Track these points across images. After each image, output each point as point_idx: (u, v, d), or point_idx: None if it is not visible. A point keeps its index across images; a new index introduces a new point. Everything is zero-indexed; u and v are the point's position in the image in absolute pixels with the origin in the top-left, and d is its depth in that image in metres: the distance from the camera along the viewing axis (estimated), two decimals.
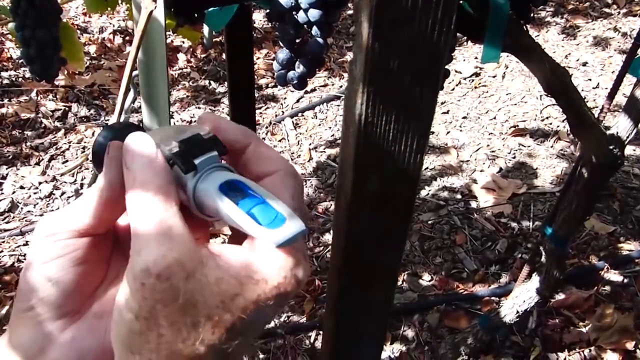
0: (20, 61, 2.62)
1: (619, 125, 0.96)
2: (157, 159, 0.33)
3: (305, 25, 0.66)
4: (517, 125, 2.41)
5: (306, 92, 2.65)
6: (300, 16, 0.65)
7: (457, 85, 2.70)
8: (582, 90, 2.59)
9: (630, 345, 1.54)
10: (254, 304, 0.31)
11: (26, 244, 1.87)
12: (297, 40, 0.69)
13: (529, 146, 2.30)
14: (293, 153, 2.29)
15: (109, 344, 0.34)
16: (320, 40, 0.67)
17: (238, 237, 0.35)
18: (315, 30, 0.66)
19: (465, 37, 0.80)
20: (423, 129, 0.39)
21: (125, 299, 0.30)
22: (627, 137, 0.96)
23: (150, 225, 0.31)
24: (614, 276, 1.75)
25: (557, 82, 0.81)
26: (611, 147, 0.95)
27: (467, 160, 2.24)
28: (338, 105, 2.57)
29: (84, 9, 3.00)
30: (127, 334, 0.30)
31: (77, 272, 0.35)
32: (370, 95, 0.37)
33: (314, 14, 0.63)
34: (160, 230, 0.30)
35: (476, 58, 2.82)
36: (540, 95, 2.56)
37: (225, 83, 2.58)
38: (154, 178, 0.32)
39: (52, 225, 0.35)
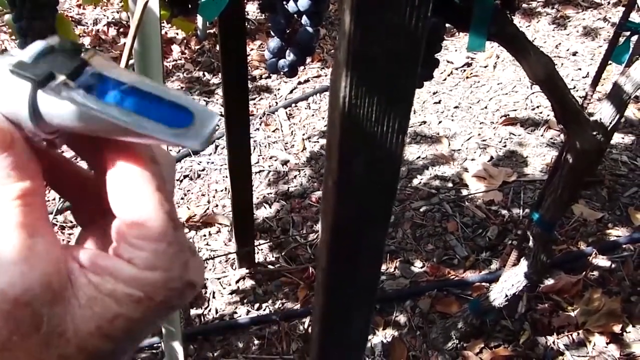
0: None
1: (602, 111, 0.99)
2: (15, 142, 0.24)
3: (295, 15, 0.69)
4: (508, 115, 2.44)
5: (300, 83, 2.66)
6: (290, 6, 0.67)
7: (448, 75, 2.72)
8: (572, 79, 2.61)
9: (617, 329, 1.57)
10: (138, 324, 0.25)
11: None
12: (288, 30, 0.72)
13: (519, 135, 2.33)
14: (287, 143, 2.31)
15: None
16: (309, 29, 0.69)
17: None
18: (305, 19, 0.68)
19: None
20: (404, 111, 0.41)
21: None
22: (611, 123, 0.99)
23: (7, 235, 0.23)
24: (602, 261, 1.78)
25: (541, 70, 0.83)
26: (594, 133, 0.98)
27: (459, 149, 2.27)
28: None
29: (78, 0, 3.00)
30: None
31: None
32: (354, 79, 0.39)
33: (304, 3, 0.66)
34: (21, 242, 0.23)
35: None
36: (531, 85, 2.59)
37: (220, 74, 2.59)
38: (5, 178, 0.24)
39: None
